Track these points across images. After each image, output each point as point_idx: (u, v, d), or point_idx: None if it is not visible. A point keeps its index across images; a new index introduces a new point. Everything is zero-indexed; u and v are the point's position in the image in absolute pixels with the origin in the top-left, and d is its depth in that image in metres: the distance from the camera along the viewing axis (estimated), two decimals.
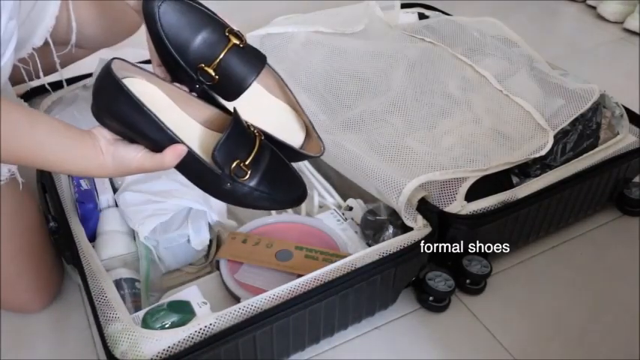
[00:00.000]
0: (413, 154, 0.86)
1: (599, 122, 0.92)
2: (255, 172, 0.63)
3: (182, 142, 0.60)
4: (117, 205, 0.85)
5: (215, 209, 0.85)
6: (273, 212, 0.92)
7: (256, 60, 0.64)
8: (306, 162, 0.97)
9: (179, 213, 0.82)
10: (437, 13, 1.28)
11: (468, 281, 0.83)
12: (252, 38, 1.13)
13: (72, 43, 0.89)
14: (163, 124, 0.59)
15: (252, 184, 0.63)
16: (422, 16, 1.28)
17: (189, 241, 0.81)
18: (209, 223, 0.84)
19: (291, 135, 0.70)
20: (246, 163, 0.62)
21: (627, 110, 0.96)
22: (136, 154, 0.60)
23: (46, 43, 0.85)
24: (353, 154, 0.86)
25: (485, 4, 1.70)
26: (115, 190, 0.88)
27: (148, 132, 0.59)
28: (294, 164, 0.70)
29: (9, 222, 0.76)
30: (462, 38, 1.12)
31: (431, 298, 0.81)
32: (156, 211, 0.81)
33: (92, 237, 0.81)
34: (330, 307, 0.71)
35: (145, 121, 0.59)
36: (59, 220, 0.79)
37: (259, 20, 1.20)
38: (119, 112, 0.59)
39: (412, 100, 0.97)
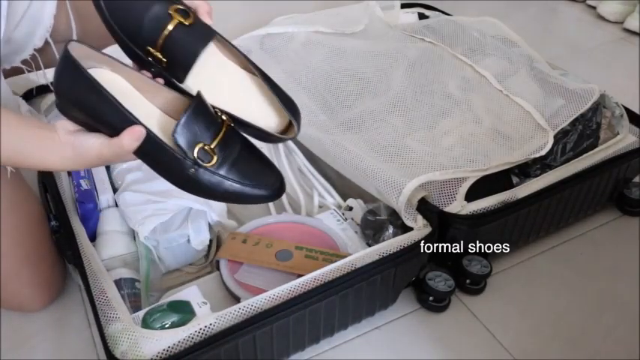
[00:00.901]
0: (413, 154, 0.86)
1: (599, 122, 0.92)
2: (224, 159, 0.60)
3: (140, 124, 0.58)
4: (117, 205, 0.85)
5: (215, 209, 0.85)
6: (273, 212, 0.92)
7: (204, 33, 0.62)
8: (306, 162, 0.97)
9: (179, 213, 0.82)
10: (437, 13, 1.28)
11: (468, 281, 0.83)
12: (252, 38, 1.14)
13: None
14: (120, 104, 0.57)
15: (222, 172, 0.60)
16: (422, 16, 1.28)
17: (189, 241, 0.81)
18: (209, 223, 0.84)
19: (266, 116, 0.67)
20: (212, 146, 0.59)
21: (627, 110, 0.96)
22: (95, 141, 0.59)
23: (47, 42, 0.85)
24: (353, 154, 0.86)
25: (485, 4, 1.70)
26: (115, 190, 0.88)
27: (105, 114, 0.57)
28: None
29: (7, 214, 0.76)
30: (462, 38, 1.12)
31: (431, 298, 0.81)
32: (156, 211, 0.81)
33: (92, 237, 0.81)
34: (330, 307, 0.71)
35: (102, 103, 0.57)
36: (60, 219, 0.79)
37: (259, 20, 1.20)
38: (77, 94, 0.57)
39: (412, 100, 0.97)
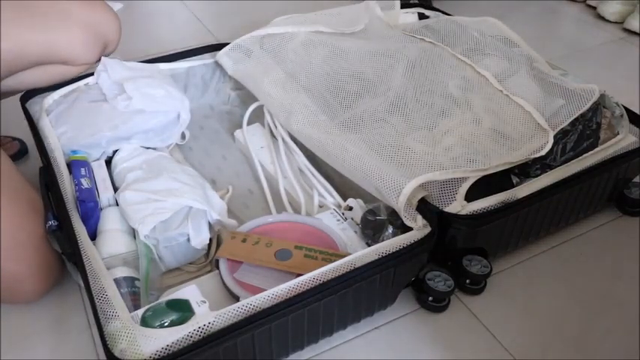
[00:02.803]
0: (413, 154, 0.86)
1: (599, 122, 0.92)
2: None
3: None
4: (117, 204, 0.85)
5: (215, 208, 0.85)
6: (273, 211, 0.92)
7: None
8: (306, 162, 0.97)
9: (179, 212, 0.82)
10: (437, 13, 1.28)
11: (467, 281, 0.83)
12: (252, 39, 1.14)
13: None
14: None
15: None
16: (422, 16, 1.28)
17: (189, 240, 0.81)
18: (209, 222, 0.84)
19: None
20: None
21: (627, 110, 0.96)
22: None
23: None
24: (353, 154, 0.86)
25: (485, 4, 1.70)
26: (115, 188, 0.88)
27: None
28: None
29: (8, 199, 0.75)
30: (462, 38, 1.12)
31: (430, 298, 0.81)
32: (156, 209, 0.81)
33: (93, 236, 0.81)
34: (329, 307, 0.71)
35: None
36: (61, 217, 0.79)
37: (259, 20, 1.21)
38: None
39: (412, 100, 0.97)
